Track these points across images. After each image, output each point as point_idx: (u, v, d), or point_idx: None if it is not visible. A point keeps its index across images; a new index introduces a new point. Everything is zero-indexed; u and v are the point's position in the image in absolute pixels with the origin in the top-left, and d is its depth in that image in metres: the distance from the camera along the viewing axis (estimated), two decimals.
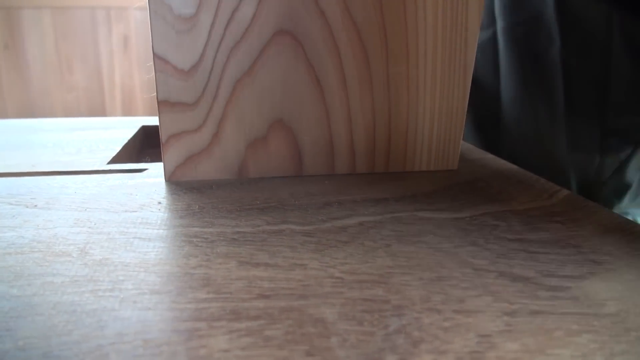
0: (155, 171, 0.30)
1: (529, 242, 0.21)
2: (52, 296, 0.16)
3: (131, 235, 0.21)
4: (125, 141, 0.37)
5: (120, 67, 1.53)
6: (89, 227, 0.21)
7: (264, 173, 0.29)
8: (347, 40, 0.27)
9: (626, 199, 0.40)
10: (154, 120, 0.44)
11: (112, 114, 1.55)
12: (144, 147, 0.42)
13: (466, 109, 0.30)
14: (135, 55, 1.57)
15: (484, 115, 0.44)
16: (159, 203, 0.24)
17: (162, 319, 0.15)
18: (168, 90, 0.26)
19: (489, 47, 0.42)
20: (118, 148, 0.35)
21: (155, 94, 0.32)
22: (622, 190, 0.39)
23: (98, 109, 1.51)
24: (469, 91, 0.30)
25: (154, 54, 0.25)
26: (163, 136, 0.27)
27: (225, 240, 0.20)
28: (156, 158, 0.41)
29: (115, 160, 0.33)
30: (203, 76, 0.26)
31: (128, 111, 1.62)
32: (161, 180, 0.28)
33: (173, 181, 0.28)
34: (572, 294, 0.17)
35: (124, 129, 0.42)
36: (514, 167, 0.33)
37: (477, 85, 0.42)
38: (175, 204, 0.24)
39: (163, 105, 0.26)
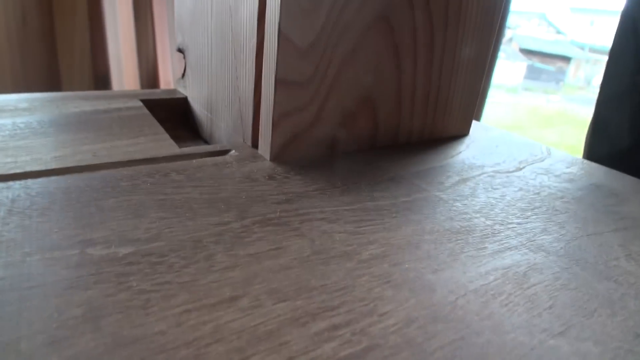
0: (244, 152, 0.28)
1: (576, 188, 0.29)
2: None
3: (352, 219, 0.21)
4: (151, 117, 0.32)
5: None
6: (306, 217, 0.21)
7: (348, 148, 0.30)
8: (422, 27, 0.30)
9: None
10: (144, 94, 0.39)
11: None
12: None
13: (481, 88, 0.36)
14: None
15: None
16: (310, 185, 0.24)
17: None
18: (286, 68, 0.25)
19: None
20: (153, 125, 0.31)
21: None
22: None
23: None
24: (485, 72, 0.36)
25: (280, 32, 0.24)
26: (275, 115, 0.26)
27: (407, 210, 0.23)
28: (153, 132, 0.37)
29: (177, 141, 0.29)
30: (316, 56, 0.26)
31: None
32: (265, 161, 0.27)
33: (277, 161, 0.27)
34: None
35: (115, 101, 0.35)
36: (500, 129, 0.41)
37: None
38: (316, 182, 0.25)
39: (280, 83, 0.25)
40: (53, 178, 0.22)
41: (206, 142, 0.36)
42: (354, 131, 0.30)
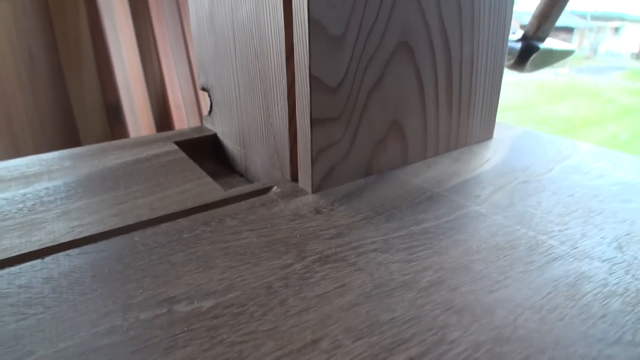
0: (286, 187, 0.30)
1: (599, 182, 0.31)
2: None
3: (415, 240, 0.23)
4: (189, 160, 0.34)
5: None
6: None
7: (381, 169, 0.32)
8: (440, 45, 0.31)
9: None
10: (178, 135, 0.41)
11: None
12: None
13: (500, 90, 0.38)
14: None
15: None
16: (355, 215, 0.26)
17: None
18: (320, 107, 0.27)
19: None
20: (194, 169, 0.33)
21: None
22: None
23: None
24: (503, 73, 0.37)
25: (311, 75, 0.25)
26: (313, 152, 0.28)
27: (452, 230, 0.24)
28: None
29: (215, 176, 0.31)
30: (346, 91, 0.27)
31: None
32: (308, 194, 0.29)
33: (318, 193, 0.29)
34: None
35: (152, 147, 0.38)
36: (522, 128, 0.42)
37: None
38: (360, 211, 0.26)
39: (315, 122, 0.27)
40: (121, 237, 0.24)
41: (241, 175, 0.38)
42: (386, 154, 0.32)
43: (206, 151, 0.41)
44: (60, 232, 0.25)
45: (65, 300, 0.19)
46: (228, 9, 0.32)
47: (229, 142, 0.39)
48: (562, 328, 0.17)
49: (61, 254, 0.23)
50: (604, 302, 0.19)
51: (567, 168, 0.33)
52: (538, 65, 0.48)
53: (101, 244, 0.23)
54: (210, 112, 0.42)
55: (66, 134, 2.07)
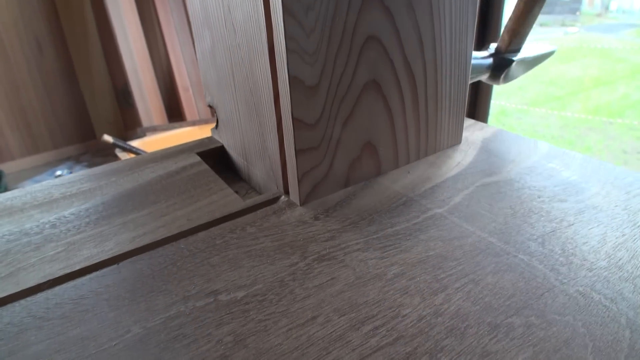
0: (287, 199, 0.39)
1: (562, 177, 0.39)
2: None
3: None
4: (212, 172, 0.43)
5: None
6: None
7: (358, 181, 0.41)
8: (405, 78, 0.39)
9: None
10: (197, 146, 0.50)
11: None
12: None
13: (466, 100, 0.45)
14: None
15: None
16: (345, 221, 0.35)
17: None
18: (302, 141, 0.35)
19: None
20: (217, 181, 0.42)
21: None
22: None
23: None
24: (467, 88, 0.45)
25: (293, 117, 0.34)
26: (299, 174, 0.36)
27: (417, 231, 0.33)
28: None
29: (228, 183, 0.40)
30: (322, 126, 0.36)
31: None
32: (297, 206, 0.37)
33: (305, 205, 0.38)
34: None
35: (179, 159, 0.46)
36: (494, 128, 0.50)
37: None
38: (349, 217, 0.35)
39: (299, 152, 0.35)
40: (170, 245, 0.33)
41: (246, 182, 0.47)
42: (361, 169, 0.40)
43: (220, 158, 0.50)
44: (124, 242, 0.34)
45: (141, 295, 0.29)
46: (227, 50, 0.40)
47: (234, 154, 0.48)
48: (483, 305, 0.26)
49: (129, 260, 0.32)
50: (518, 285, 0.28)
51: (523, 170, 0.41)
52: (515, 75, 0.54)
53: (157, 251, 0.33)
54: (217, 126, 0.50)
55: (78, 120, 2.17)
